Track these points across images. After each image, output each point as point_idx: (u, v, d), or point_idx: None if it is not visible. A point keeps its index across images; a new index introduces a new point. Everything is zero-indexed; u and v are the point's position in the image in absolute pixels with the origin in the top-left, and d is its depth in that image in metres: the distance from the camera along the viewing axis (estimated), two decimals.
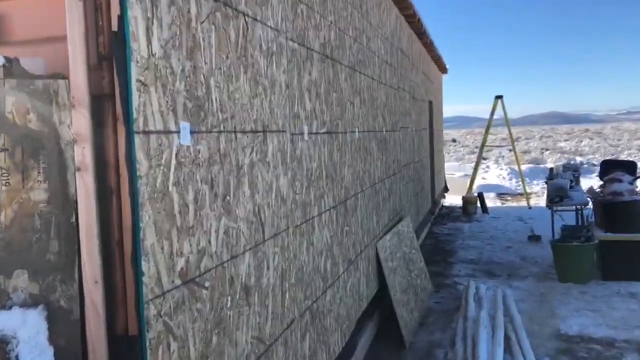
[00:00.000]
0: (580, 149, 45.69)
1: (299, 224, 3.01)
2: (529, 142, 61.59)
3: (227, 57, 2.17)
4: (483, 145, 14.85)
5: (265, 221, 2.51)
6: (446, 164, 23.00)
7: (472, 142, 59.39)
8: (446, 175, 18.97)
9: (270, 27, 2.66)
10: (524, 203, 14.98)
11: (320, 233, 3.40)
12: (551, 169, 9.24)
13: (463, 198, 13.60)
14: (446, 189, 15.84)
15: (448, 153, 45.14)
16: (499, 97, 14.66)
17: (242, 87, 2.29)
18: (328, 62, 3.69)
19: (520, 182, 15.88)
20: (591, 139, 59.84)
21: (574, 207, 8.06)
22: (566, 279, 7.15)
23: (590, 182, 13.95)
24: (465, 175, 21.93)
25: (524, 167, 21.72)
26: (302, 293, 3.03)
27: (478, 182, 20.11)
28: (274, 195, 2.62)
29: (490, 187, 19.35)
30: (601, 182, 7.50)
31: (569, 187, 8.14)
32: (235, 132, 2.21)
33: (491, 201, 16.44)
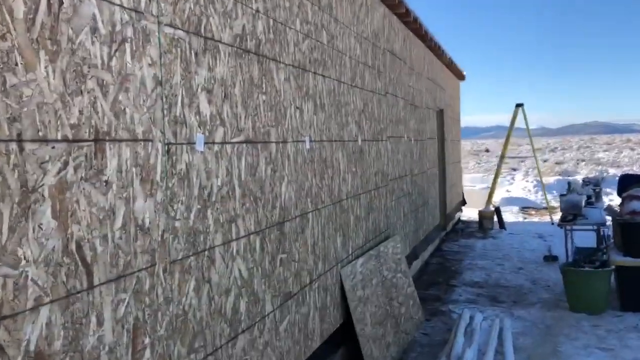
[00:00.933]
0: (619, 160, 43.75)
1: (179, 258, 2.38)
2: (565, 152, 59.49)
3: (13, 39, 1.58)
4: (502, 156, 13.95)
5: (96, 260, 1.89)
6: (469, 176, 22.06)
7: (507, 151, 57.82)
8: (465, 188, 18.07)
9: (120, 5, 2.05)
10: (547, 218, 13.97)
11: (227, 267, 2.76)
12: (569, 183, 8.37)
13: (479, 213, 12.74)
14: (463, 203, 14.97)
15: (478, 163, 43.89)
16: (520, 105, 13.76)
17: (43, 78, 1.69)
18: (250, 58, 3.07)
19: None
20: (632, 149, 57.39)
21: (591, 226, 7.19)
22: (578, 309, 6.31)
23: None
24: (488, 187, 20.92)
25: (552, 178, 20.63)
26: (185, 346, 2.39)
27: (501, 194, 19.15)
28: (119, 224, 2.00)
29: (514, 200, 18.35)
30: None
31: (584, 203, 7.28)
32: (20, 141, 1.60)
33: (513, 215, 15.49)
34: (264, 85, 3.23)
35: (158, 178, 2.26)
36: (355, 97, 5.14)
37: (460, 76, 14.29)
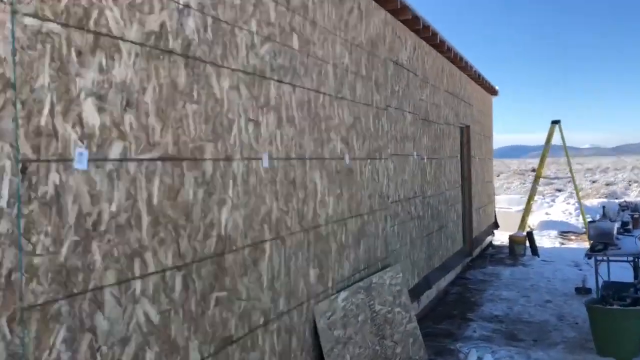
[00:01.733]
0: None
1: (39, 303, 1.90)
2: (617, 173, 56.78)
3: None
4: (537, 177, 13.07)
5: None
6: (506, 197, 21.07)
7: (555, 171, 55.80)
8: (500, 210, 17.15)
9: None
10: (587, 244, 12.96)
11: (124, 311, 2.26)
12: (603, 207, 7.56)
13: (509, 238, 11.90)
14: (496, 226, 14.11)
15: (523, 183, 42.23)
16: (556, 122, 12.91)
17: None
18: (174, 61, 2.60)
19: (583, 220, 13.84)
20: None
21: (625, 257, 6.39)
22: (606, 352, 5.54)
23: None
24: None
25: (595, 201, 19.43)
26: None
27: (540, 217, 18.09)
28: None
29: (553, 224, 17.26)
30: None
31: (617, 231, 6.49)
32: None
33: (550, 240, 14.49)
34: (195, 93, 2.75)
35: (4, 204, 1.80)
36: (342, 110, 4.62)
37: (492, 91, 13.54)
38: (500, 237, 14.25)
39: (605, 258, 6.34)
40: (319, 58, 4.19)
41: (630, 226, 7.37)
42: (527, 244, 11.72)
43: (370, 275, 5.09)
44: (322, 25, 4.24)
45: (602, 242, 6.32)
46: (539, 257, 11.42)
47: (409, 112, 6.62)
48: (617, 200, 19.72)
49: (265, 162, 3.38)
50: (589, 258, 6.50)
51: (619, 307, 5.43)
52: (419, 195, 6.98)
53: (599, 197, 22.86)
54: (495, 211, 14.35)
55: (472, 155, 10.91)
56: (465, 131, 10.73)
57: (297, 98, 3.83)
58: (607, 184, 38.58)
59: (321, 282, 4.12)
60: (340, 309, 4.28)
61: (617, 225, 6.44)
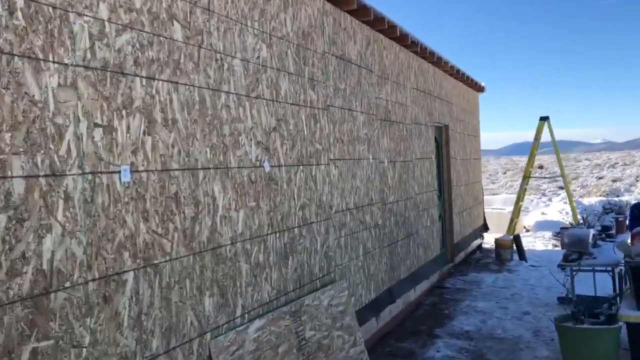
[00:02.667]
0: None
1: None
2: (625, 168, 55.52)
3: None
4: (525, 177, 12.40)
5: None
6: (500, 197, 20.38)
7: (557, 169, 54.80)
8: (493, 211, 16.50)
9: None
10: None
11: None
12: (584, 210, 6.92)
13: (495, 241, 11.26)
14: (485, 228, 13.45)
15: (536, 181, 41.25)
16: (544, 118, 12.27)
17: None
18: None
19: (581, 219, 13.13)
20: None
21: (604, 267, 5.74)
22: None
23: None
24: (526, 209, 19.10)
25: (594, 199, 18.70)
26: None
27: (535, 217, 17.39)
28: None
29: (548, 224, 16.49)
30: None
31: (593, 238, 5.87)
32: None
33: (543, 242, 13.80)
34: None
35: None
36: (258, 111, 4.04)
37: (478, 88, 12.90)
38: (491, 240, 13.60)
39: (579, 269, 5.71)
40: (218, 51, 3.62)
41: (613, 231, 6.72)
42: (515, 247, 11.06)
43: (302, 296, 4.50)
44: (221, 14, 3.66)
45: (575, 252, 5.70)
46: (526, 262, 10.76)
47: (362, 111, 6.03)
48: (616, 198, 18.94)
49: (126, 176, 2.80)
50: (562, 269, 5.88)
51: (589, 327, 4.81)
52: (377, 202, 6.38)
53: (600, 195, 22.09)
54: (484, 213, 13.70)
55: (452, 156, 10.28)
56: (443, 131, 10.11)
57: (181, 98, 3.25)
58: (614, 180, 37.65)
59: (224, 312, 3.54)
60: (250, 341, 3.69)
61: (593, 231, 5.81)
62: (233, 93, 3.75)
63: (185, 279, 3.21)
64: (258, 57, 4.08)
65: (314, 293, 4.62)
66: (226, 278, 3.58)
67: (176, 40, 3.24)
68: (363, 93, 6.10)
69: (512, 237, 11.18)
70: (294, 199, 4.50)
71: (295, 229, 4.50)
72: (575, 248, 5.67)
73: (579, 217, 11.72)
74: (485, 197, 22.21)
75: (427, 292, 8.39)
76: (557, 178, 34.85)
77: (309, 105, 4.83)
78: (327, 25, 5.26)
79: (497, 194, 30.71)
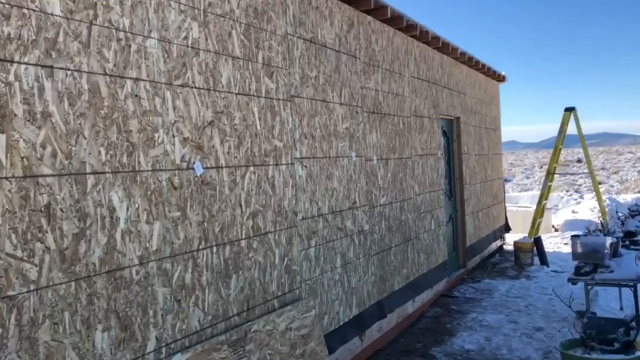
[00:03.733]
0: None
1: None
2: None
3: None
4: (549, 173, 11.42)
5: None
6: (528, 194, 19.27)
7: (603, 161, 52.61)
8: (519, 209, 15.51)
9: None
10: None
11: None
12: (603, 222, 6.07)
13: (514, 245, 10.35)
14: (507, 229, 12.52)
15: (563, 175, 39.58)
16: (570, 109, 11.26)
17: None
18: None
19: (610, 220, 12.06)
20: None
21: (624, 284, 4.89)
22: None
23: None
24: (555, 207, 17.97)
25: (631, 196, 17.44)
26: None
27: (565, 216, 16.29)
28: None
29: (579, 224, 15.38)
30: None
31: (612, 247, 5.02)
32: None
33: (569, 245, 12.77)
34: None
35: None
36: (185, 102, 3.37)
37: (497, 78, 11.97)
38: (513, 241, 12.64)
39: (594, 284, 4.88)
40: (122, 30, 2.96)
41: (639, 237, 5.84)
42: (536, 251, 10.14)
43: (251, 320, 3.83)
44: None
45: (589, 263, 4.86)
46: (548, 266, 9.84)
47: (341, 103, 5.31)
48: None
49: None
50: (573, 284, 5.05)
51: (600, 358, 4.00)
52: (364, 205, 5.65)
53: (636, 192, 20.69)
54: (506, 212, 12.76)
55: (464, 152, 9.44)
56: (454, 124, 9.28)
57: (59, 86, 2.61)
58: None
59: (128, 348, 2.89)
60: None
61: (610, 240, 4.96)
62: (145, 80, 3.10)
63: (64, 311, 2.57)
64: (186, 37, 3.41)
65: (266, 316, 3.94)
66: (131, 306, 2.93)
67: (52, 14, 2.59)
68: (343, 82, 5.37)
69: (533, 240, 10.24)
70: (240, 205, 3.82)
71: (242, 241, 3.82)
72: (588, 259, 4.84)
73: (608, 218, 10.69)
74: (512, 194, 21.11)
75: (431, 303, 7.62)
76: (605, 172, 33.02)
77: (263, 95, 4.14)
78: (290, 3, 4.55)
79: (529, 190, 29.40)
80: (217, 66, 3.67)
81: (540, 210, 11.55)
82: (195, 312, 3.38)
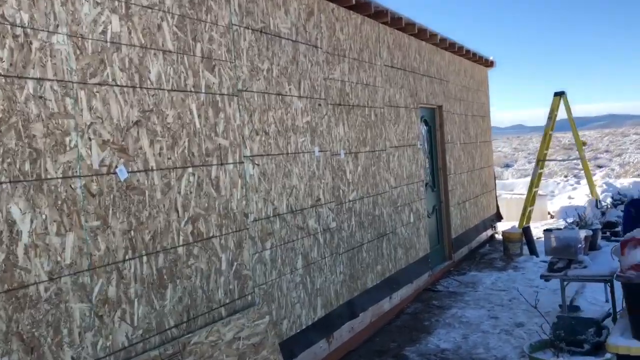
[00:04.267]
0: None
1: None
2: None
3: None
4: (539, 160, 11.13)
5: None
6: (523, 180, 18.98)
7: (607, 143, 52.04)
8: (514, 196, 15.25)
9: None
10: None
11: None
12: (597, 199, 5.79)
13: (503, 235, 10.09)
14: (498, 218, 12.26)
15: (562, 161, 39.13)
16: (559, 94, 10.96)
17: None
18: None
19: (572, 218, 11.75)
20: None
21: (598, 280, 4.62)
22: None
23: None
24: (551, 194, 17.66)
25: (628, 180, 17.12)
26: None
27: (561, 202, 16.00)
28: None
29: (575, 211, 15.11)
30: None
31: (587, 241, 4.76)
32: None
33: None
34: None
35: None
36: (104, 102, 3.12)
37: (485, 63, 11.65)
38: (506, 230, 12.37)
39: (568, 280, 4.62)
40: (18, 25, 2.70)
41: (621, 228, 5.57)
42: (525, 240, 9.88)
43: (192, 332, 3.60)
44: None
45: (562, 259, 4.61)
46: (537, 256, 9.58)
47: (300, 96, 5.04)
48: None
49: None
50: (546, 281, 4.80)
51: None
52: (329, 202, 5.40)
53: (635, 176, 20.34)
54: (497, 201, 12.48)
55: (448, 141, 9.16)
56: (437, 113, 8.99)
57: None
58: None
59: None
60: None
61: (585, 233, 4.70)
62: (52, 80, 2.84)
63: None
64: (104, 32, 3.15)
65: (210, 326, 3.71)
66: (39, 326, 2.70)
67: None
68: (302, 74, 5.10)
69: (522, 229, 9.98)
70: (176, 210, 3.58)
71: (180, 249, 3.58)
72: (561, 255, 4.58)
73: (601, 200, 10.38)
74: (508, 181, 20.79)
75: (412, 298, 7.38)
76: (608, 154, 32.58)
77: (203, 91, 3.88)
78: None
79: (529, 176, 29.06)
80: (144, 61, 3.41)
81: (531, 198, 11.30)
82: (122, 327, 3.15)
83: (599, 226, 5.16)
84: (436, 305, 7.28)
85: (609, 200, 8.57)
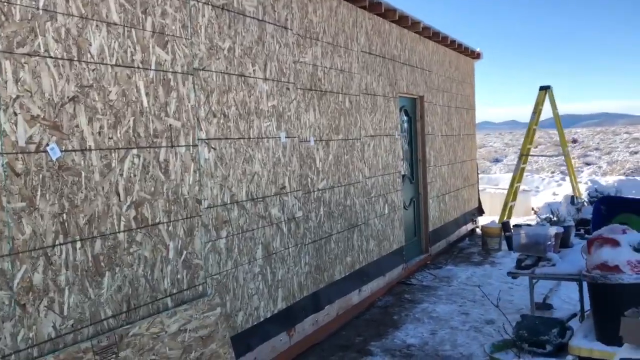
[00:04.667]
0: None
1: None
2: None
3: None
4: (522, 155, 10.98)
5: None
6: (508, 175, 18.86)
7: (598, 141, 52.13)
8: (497, 191, 15.14)
9: None
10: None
11: None
12: (574, 196, 5.63)
13: (482, 229, 9.95)
14: (480, 212, 12.12)
15: (552, 157, 39.09)
16: (545, 88, 10.79)
17: None
18: None
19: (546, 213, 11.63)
20: None
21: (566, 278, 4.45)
22: None
23: None
24: (535, 189, 17.57)
25: (611, 178, 17.05)
26: None
27: (545, 198, 15.91)
28: None
29: (560, 206, 15.03)
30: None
31: (557, 237, 4.59)
32: None
33: None
34: None
35: None
36: (34, 74, 2.88)
37: (472, 54, 11.44)
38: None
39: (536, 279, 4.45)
40: None
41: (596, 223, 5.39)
42: (504, 235, 9.73)
43: (131, 323, 3.40)
44: None
45: (532, 256, 4.44)
46: (515, 252, 9.42)
47: (266, 78, 4.82)
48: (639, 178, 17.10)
49: None
50: (513, 278, 4.64)
51: None
52: (295, 191, 5.20)
53: (622, 174, 20.31)
54: (479, 195, 12.33)
55: (428, 132, 8.96)
56: (418, 103, 8.79)
57: None
58: None
59: None
60: None
61: (556, 230, 4.53)
62: None
63: None
64: None
65: (152, 317, 3.51)
66: None
67: None
68: (269, 55, 4.87)
69: (502, 224, 9.83)
70: (117, 194, 3.36)
71: (120, 235, 3.37)
72: (529, 251, 4.42)
73: (583, 195, 10.25)
74: (494, 175, 20.68)
75: (383, 291, 7.21)
76: (560, 156, 32.72)
77: (153, 67, 3.64)
78: None
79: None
80: (84, 33, 3.17)
81: (512, 193, 11.16)
82: (49, 316, 2.93)
83: (572, 223, 4.98)
84: (408, 299, 7.11)
85: (584, 196, 8.42)
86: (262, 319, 4.67)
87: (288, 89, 5.14)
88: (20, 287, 2.80)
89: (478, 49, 11.59)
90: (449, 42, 9.72)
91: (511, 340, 3.96)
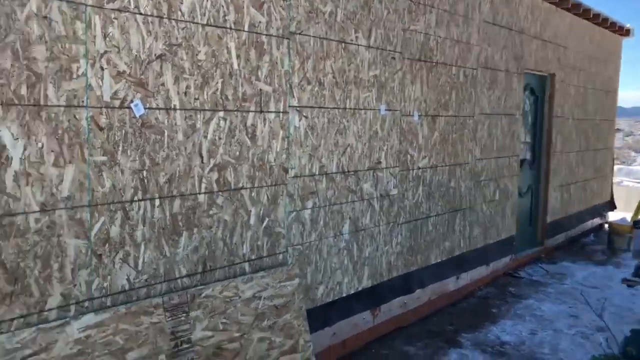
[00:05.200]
0: None
1: None
2: None
3: None
4: None
5: None
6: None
7: None
8: (627, 185, 13.62)
9: None
10: None
11: None
12: None
13: (610, 225, 8.99)
14: (612, 207, 10.97)
15: None
16: None
17: None
18: None
19: None
20: None
21: None
22: None
23: None
24: None
25: None
26: None
27: None
28: None
29: None
30: None
31: None
32: None
33: None
34: None
35: None
36: (122, 29, 2.91)
37: (619, 31, 10.20)
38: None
39: None
40: None
41: None
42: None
43: (205, 284, 3.42)
44: None
45: None
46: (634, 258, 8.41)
47: (369, 46, 4.57)
48: None
49: None
50: (629, 286, 4.06)
51: None
52: (392, 167, 4.95)
53: None
54: (612, 188, 11.15)
55: (557, 114, 8.17)
56: (548, 81, 8.02)
57: None
58: None
59: (17, 302, 2.60)
60: (70, 342, 2.72)
61: None
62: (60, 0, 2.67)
63: None
64: None
65: (227, 281, 3.51)
66: (25, 257, 2.62)
67: None
68: (375, 21, 4.61)
69: (633, 222, 8.80)
70: (200, 155, 3.35)
71: (200, 196, 3.37)
72: None
73: None
74: (635, 168, 18.63)
75: (486, 281, 6.77)
76: None
77: (246, 29, 3.56)
78: None
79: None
80: None
81: None
82: (124, 269, 3.02)
83: None
84: (512, 292, 6.61)
85: None
86: (344, 295, 4.54)
87: (394, 58, 4.86)
88: (98, 237, 2.89)
89: (628, 25, 10.31)
90: (591, 16, 8.71)
91: (616, 356, 3.47)
